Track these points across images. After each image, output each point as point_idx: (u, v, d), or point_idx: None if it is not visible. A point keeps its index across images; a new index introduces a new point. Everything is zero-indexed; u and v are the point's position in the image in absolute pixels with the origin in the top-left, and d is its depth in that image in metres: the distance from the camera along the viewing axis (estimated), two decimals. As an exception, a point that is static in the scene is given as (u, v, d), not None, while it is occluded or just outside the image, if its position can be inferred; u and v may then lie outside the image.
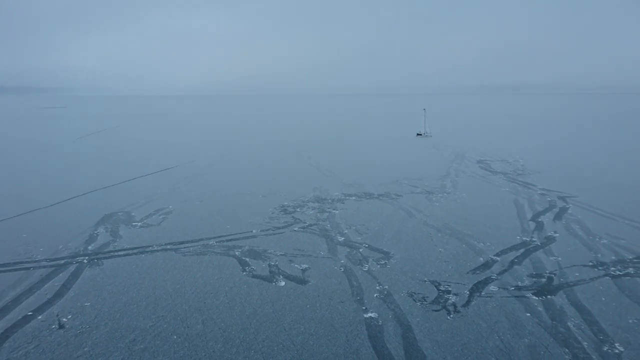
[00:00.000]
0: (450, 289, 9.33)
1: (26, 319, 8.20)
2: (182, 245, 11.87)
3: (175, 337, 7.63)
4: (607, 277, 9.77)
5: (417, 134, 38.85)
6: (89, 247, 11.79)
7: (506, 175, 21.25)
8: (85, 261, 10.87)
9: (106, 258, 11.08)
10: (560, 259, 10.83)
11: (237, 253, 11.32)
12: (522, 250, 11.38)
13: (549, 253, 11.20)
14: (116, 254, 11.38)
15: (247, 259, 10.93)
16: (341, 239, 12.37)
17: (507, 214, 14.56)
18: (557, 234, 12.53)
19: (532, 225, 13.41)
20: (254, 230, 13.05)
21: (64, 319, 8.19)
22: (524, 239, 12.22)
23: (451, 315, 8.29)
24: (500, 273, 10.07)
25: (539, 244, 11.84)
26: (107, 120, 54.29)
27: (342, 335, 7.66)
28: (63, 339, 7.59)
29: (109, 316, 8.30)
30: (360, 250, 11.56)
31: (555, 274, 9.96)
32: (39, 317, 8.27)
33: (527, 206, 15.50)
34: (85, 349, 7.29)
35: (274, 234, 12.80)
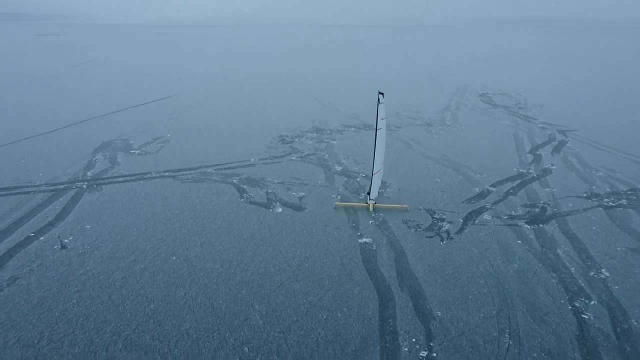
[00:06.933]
0: (444, 217, 9.49)
1: (29, 240, 8.40)
2: (180, 173, 11.94)
3: (174, 258, 7.84)
4: (600, 208, 9.91)
5: (369, 195, 10.05)
6: (88, 173, 11.86)
7: (507, 108, 21.01)
8: (84, 186, 10.98)
9: (105, 184, 11.18)
10: (555, 190, 10.94)
11: (235, 181, 11.41)
12: (517, 182, 11.47)
13: (545, 184, 11.29)
14: (115, 180, 11.46)
15: (245, 187, 11.03)
16: (339, 168, 12.43)
17: (505, 147, 14.54)
18: (554, 167, 12.58)
19: (530, 157, 13.42)
20: (252, 159, 13.07)
21: (66, 240, 8.38)
22: (521, 170, 12.27)
23: (444, 242, 8.48)
24: (495, 203, 10.21)
25: (535, 175, 11.92)
26: (102, 49, 52.98)
27: (337, 259, 7.87)
28: (65, 258, 7.80)
29: (110, 238, 8.49)
30: (357, 179, 11.64)
31: (548, 204, 10.10)
32: (41, 238, 8.47)
33: (527, 139, 15.45)
34: (88, 268, 7.52)
35: (272, 163, 12.84)
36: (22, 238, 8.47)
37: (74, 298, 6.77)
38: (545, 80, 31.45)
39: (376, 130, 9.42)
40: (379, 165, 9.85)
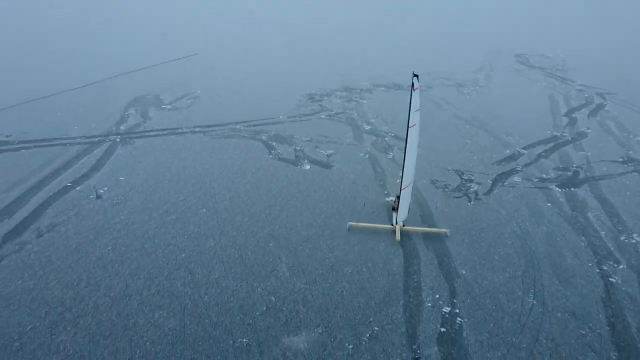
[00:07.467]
0: (473, 178, 9.40)
1: (66, 189, 8.73)
2: (210, 129, 12.07)
3: (204, 210, 8.06)
4: (636, 173, 9.64)
5: (394, 211, 7.71)
6: (121, 127, 12.11)
7: (544, 70, 20.26)
8: (117, 140, 11.24)
9: (138, 137, 11.42)
10: (589, 154, 10.66)
11: (263, 137, 11.49)
12: (551, 145, 11.20)
13: (579, 148, 11.01)
14: (147, 134, 11.69)
15: (274, 143, 11.10)
16: (367, 127, 12.34)
17: (540, 109, 14.12)
18: (590, 130, 12.20)
19: (565, 120, 13.03)
20: (280, 117, 13.08)
21: (101, 191, 8.68)
22: (555, 133, 11.96)
23: (472, 202, 8.44)
24: (526, 165, 10.04)
25: (569, 139, 11.60)
26: (123, 3, 52.85)
27: (364, 216, 7.94)
28: (101, 208, 8.11)
29: (142, 190, 8.75)
30: (386, 139, 11.57)
31: (581, 168, 9.87)
32: (78, 188, 8.79)
33: (562, 102, 14.95)
34: (122, 217, 7.80)
35: (301, 120, 12.83)
36: (60, 187, 8.81)
37: (109, 245, 7.07)
38: (586, 40, 30.04)
39: (408, 127, 6.57)
40: (409, 177, 7.15)
